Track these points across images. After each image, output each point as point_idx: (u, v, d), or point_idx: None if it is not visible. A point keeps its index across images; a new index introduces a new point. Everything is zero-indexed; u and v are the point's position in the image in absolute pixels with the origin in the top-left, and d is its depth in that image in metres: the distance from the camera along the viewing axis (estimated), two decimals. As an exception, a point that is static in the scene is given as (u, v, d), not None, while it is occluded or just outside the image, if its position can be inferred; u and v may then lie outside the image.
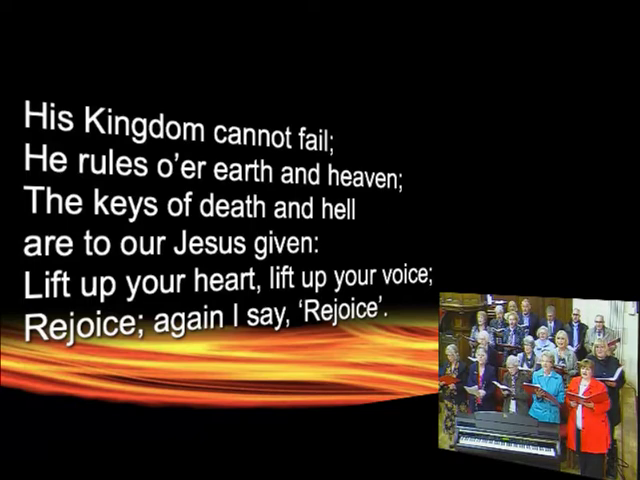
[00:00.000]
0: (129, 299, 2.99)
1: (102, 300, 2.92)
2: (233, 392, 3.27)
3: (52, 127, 2.82)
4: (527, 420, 2.97)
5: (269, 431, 3.34)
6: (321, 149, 3.59)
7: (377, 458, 3.49)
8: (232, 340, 3.27)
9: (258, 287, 3.35)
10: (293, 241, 3.47)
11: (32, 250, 2.77)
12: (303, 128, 3.52)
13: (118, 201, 2.97)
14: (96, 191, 2.92)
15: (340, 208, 3.65)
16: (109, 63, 2.95)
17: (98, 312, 2.91)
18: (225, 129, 3.28)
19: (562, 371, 2.89)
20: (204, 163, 3.21)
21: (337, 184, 3.64)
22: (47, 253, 2.79)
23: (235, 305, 3.28)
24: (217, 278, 3.23)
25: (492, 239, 3.91)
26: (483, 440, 3.08)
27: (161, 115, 3.10)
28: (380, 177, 3.80)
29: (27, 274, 2.75)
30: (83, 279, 2.88)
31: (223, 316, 3.24)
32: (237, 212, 3.30)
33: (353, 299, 3.68)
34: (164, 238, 3.09)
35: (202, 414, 3.17)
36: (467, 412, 3.14)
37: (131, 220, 3.00)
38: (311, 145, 3.55)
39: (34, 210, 2.77)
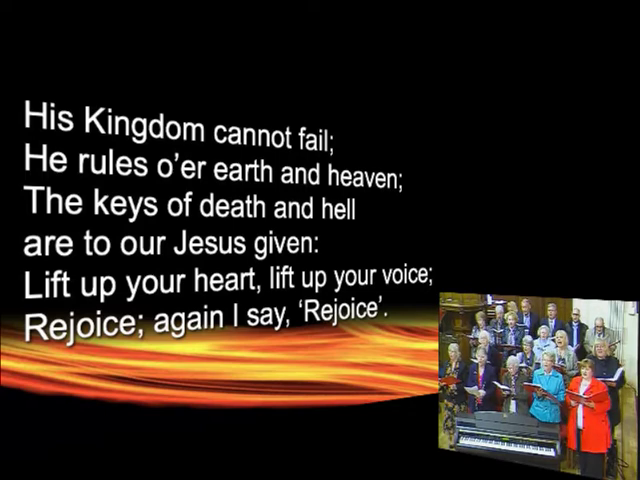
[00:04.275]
0: (129, 299, 2.99)
1: (102, 300, 2.92)
2: (233, 392, 3.27)
3: (52, 127, 2.82)
4: (527, 420, 2.97)
5: (269, 431, 3.34)
6: (321, 149, 3.59)
7: (377, 458, 3.49)
8: (232, 340, 3.27)
9: (258, 287, 3.35)
10: (293, 241, 3.47)
11: (32, 250, 2.76)
12: (303, 128, 3.52)
13: (118, 201, 2.97)
14: (96, 191, 2.92)
15: (340, 208, 3.65)
16: (109, 63, 2.95)
17: (98, 312, 2.91)
18: (225, 129, 3.28)
19: (562, 371, 2.89)
20: (204, 163, 3.21)
21: (337, 184, 3.64)
22: (47, 253, 2.79)
23: (235, 305, 3.28)
24: (217, 278, 3.23)
25: (492, 239, 3.91)
26: (483, 440, 3.08)
27: (161, 115, 3.10)
28: (380, 177, 3.80)
29: (27, 274, 2.75)
30: (83, 279, 2.88)
31: (223, 316, 3.24)
32: (237, 212, 3.30)
33: (353, 299, 3.68)
34: (164, 238, 3.09)
35: (202, 414, 3.17)
36: (467, 412, 3.14)
37: (131, 220, 3.00)
38: (311, 145, 3.55)
39: (34, 210, 2.77)
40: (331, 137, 3.61)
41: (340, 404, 3.60)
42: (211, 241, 3.22)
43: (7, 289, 2.71)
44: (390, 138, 3.83)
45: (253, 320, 3.33)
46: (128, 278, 2.99)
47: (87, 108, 2.91)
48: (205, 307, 3.19)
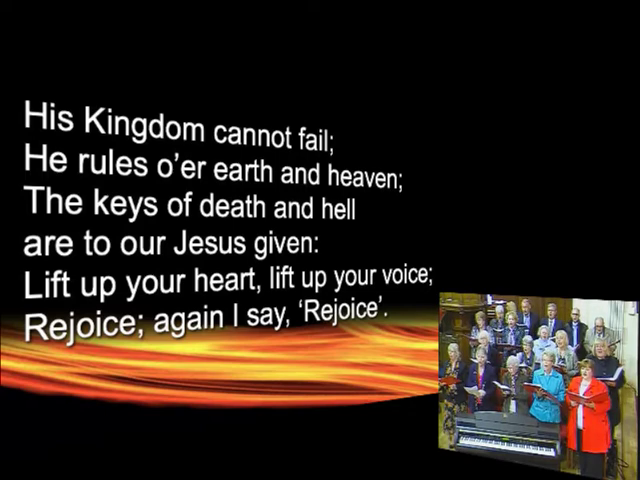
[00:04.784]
0: (129, 299, 2.99)
1: (102, 300, 2.92)
2: (233, 392, 3.27)
3: (52, 127, 2.82)
4: (527, 420, 2.97)
5: (269, 431, 3.34)
6: (321, 149, 3.59)
7: (377, 458, 3.49)
8: (232, 340, 3.27)
9: (258, 287, 3.35)
10: (293, 241, 3.47)
11: (32, 250, 2.76)
12: (303, 128, 3.52)
13: (118, 201, 2.97)
14: (96, 191, 2.92)
15: (340, 208, 3.65)
16: (109, 63, 2.95)
17: (98, 312, 2.91)
18: (225, 129, 3.28)
19: (562, 370, 2.89)
20: (204, 163, 3.21)
21: (337, 184, 3.64)
22: (47, 253, 2.79)
23: (235, 305, 3.28)
24: (217, 278, 3.23)
25: (492, 239, 3.91)
26: (483, 440, 3.08)
27: (161, 115, 3.10)
28: (380, 177, 3.80)
29: (27, 274, 2.75)
30: (83, 279, 2.88)
31: (223, 316, 3.24)
32: (237, 212, 3.30)
33: (353, 299, 3.68)
34: (164, 238, 3.09)
35: (202, 414, 3.17)
36: (467, 412, 3.14)
37: (131, 220, 3.00)
38: (311, 145, 3.55)
39: (34, 210, 2.77)
40: (331, 137, 3.61)
41: (340, 404, 3.59)
42: (211, 241, 3.22)
43: (7, 289, 2.71)
44: (390, 138, 3.83)
45: (253, 320, 3.33)
46: (128, 278, 2.99)
47: (87, 108, 2.91)
48: (205, 307, 3.19)
